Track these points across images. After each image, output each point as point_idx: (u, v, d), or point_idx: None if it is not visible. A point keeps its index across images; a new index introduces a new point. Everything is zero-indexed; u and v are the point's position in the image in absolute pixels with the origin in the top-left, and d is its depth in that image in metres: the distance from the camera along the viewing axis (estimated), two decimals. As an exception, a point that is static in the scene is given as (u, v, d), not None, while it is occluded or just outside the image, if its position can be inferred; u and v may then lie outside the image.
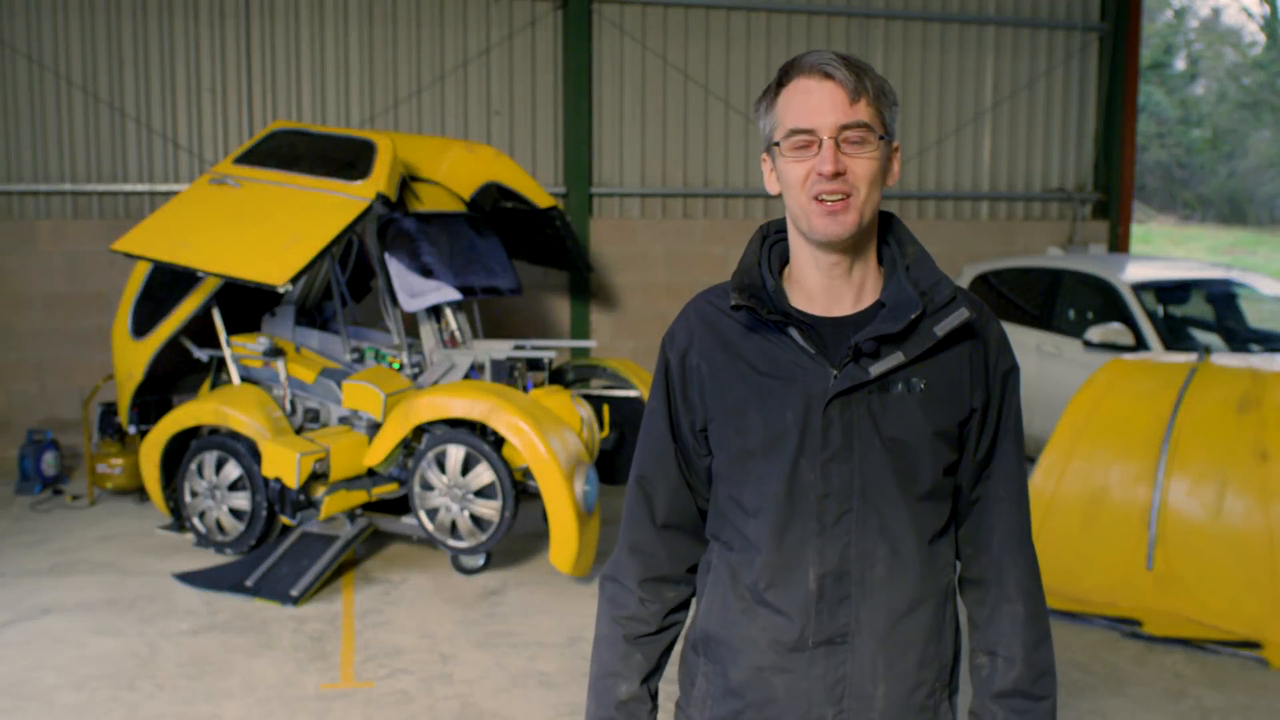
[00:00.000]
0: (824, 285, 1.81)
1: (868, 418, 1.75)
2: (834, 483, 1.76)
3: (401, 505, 6.49)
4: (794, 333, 1.79)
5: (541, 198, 7.66)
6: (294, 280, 5.84)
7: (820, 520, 1.77)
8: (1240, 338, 7.73)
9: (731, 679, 1.85)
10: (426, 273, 6.57)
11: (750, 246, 1.90)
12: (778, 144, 1.77)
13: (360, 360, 6.72)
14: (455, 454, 5.90)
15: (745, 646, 1.83)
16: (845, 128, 1.72)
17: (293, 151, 6.68)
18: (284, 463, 5.85)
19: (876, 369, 1.74)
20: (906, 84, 10.70)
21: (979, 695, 1.86)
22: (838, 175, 1.72)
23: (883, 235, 1.87)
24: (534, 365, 6.81)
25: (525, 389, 6.52)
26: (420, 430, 6.13)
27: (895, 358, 1.74)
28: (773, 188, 1.84)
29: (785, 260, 1.89)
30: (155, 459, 6.54)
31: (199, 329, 6.97)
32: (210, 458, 6.30)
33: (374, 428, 6.26)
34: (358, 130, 7.12)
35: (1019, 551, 1.87)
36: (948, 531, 1.86)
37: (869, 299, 1.82)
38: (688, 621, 1.98)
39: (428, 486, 5.99)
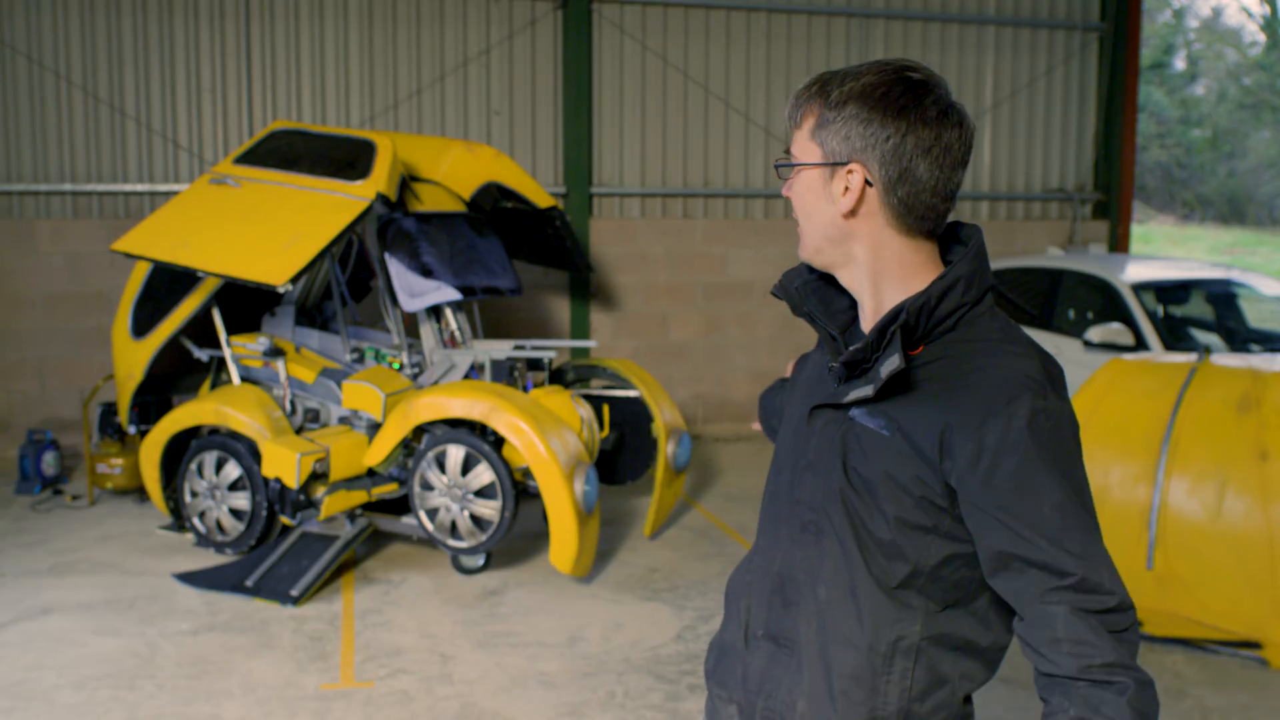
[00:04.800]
0: (859, 302, 1.83)
1: (838, 440, 1.74)
2: (804, 491, 1.78)
3: (401, 505, 6.49)
4: (826, 339, 1.84)
5: (541, 198, 7.66)
6: (294, 280, 5.84)
7: (790, 524, 1.80)
8: (1240, 338, 7.72)
9: (722, 638, 1.95)
10: (426, 273, 6.56)
11: None
12: None
13: (360, 360, 6.72)
14: (455, 454, 5.90)
15: (734, 617, 1.91)
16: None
17: (293, 151, 6.68)
18: (284, 463, 5.84)
19: (850, 395, 1.72)
20: (906, 84, 10.68)
21: None
22: (789, 201, 1.79)
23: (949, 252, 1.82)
24: (534, 365, 6.81)
25: (525, 389, 6.52)
26: (420, 430, 6.13)
27: (865, 390, 1.69)
28: None
29: None
30: (155, 459, 6.54)
31: (199, 329, 6.97)
32: (210, 458, 6.30)
33: (374, 428, 6.26)
34: (358, 130, 7.12)
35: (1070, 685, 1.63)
36: (934, 591, 1.71)
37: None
38: None
39: (428, 486, 5.98)
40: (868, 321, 1.78)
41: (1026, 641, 1.64)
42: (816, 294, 1.85)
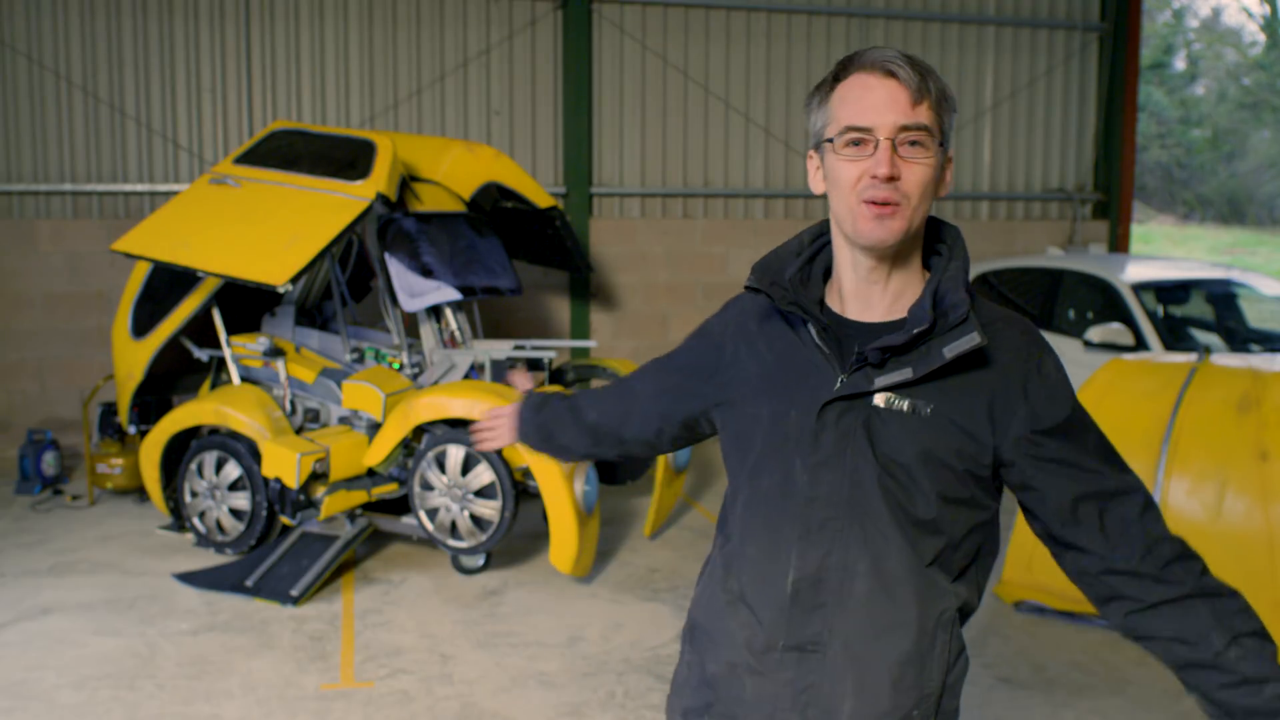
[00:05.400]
0: (857, 289, 1.77)
1: (863, 430, 1.70)
2: (822, 488, 1.73)
3: (401, 505, 6.49)
4: (812, 329, 1.77)
5: (541, 198, 7.66)
6: (294, 280, 5.84)
7: (805, 524, 1.74)
8: (1240, 338, 7.72)
9: (708, 670, 1.86)
10: (426, 273, 6.57)
11: (798, 236, 1.88)
12: (830, 140, 1.70)
13: (360, 360, 6.72)
14: (455, 454, 5.90)
15: (724, 640, 1.82)
16: (905, 129, 1.65)
17: (293, 151, 6.68)
18: (284, 463, 5.84)
19: (880, 381, 1.69)
20: (906, 84, 10.68)
21: (1260, 665, 1.76)
22: (892, 179, 1.65)
23: (935, 243, 1.81)
24: (534, 365, 6.81)
25: (525, 389, 6.51)
26: (420, 430, 6.13)
27: (903, 373, 1.68)
28: (817, 187, 1.78)
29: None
30: (155, 459, 6.54)
31: (199, 329, 6.97)
32: (210, 458, 6.30)
33: (374, 428, 6.26)
34: (358, 130, 7.12)
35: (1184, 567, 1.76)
36: (953, 562, 1.76)
37: (903, 309, 1.76)
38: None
39: (428, 486, 5.98)
40: (875, 309, 1.77)
41: (1136, 574, 1.72)
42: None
